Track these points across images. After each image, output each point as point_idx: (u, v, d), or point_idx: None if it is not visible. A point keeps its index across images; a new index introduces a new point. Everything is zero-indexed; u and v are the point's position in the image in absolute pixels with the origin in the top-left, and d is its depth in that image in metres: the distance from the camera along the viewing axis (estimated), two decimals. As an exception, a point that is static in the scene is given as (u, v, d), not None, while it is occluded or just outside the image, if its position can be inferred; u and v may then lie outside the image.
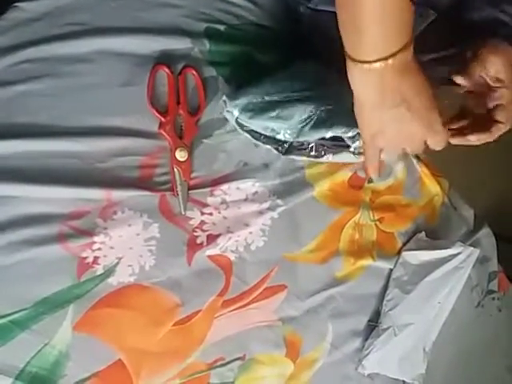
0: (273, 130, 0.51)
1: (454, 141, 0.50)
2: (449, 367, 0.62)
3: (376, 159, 0.49)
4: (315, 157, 0.54)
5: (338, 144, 0.53)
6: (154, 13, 0.53)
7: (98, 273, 0.46)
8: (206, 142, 0.52)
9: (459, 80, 0.50)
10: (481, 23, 0.52)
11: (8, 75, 0.48)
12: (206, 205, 0.51)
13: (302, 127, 0.51)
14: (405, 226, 0.61)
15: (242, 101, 0.51)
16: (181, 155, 0.50)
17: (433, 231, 0.62)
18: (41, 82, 0.48)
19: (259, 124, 0.51)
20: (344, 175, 0.58)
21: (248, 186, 0.53)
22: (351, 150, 0.53)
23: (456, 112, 0.53)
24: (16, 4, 0.50)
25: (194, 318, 0.49)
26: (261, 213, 0.53)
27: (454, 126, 0.52)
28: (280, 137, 0.52)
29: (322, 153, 0.54)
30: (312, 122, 0.51)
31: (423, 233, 0.61)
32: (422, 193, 0.64)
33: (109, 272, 0.47)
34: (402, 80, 0.40)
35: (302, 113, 0.50)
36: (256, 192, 0.53)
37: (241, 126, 0.52)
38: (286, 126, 0.51)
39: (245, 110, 0.51)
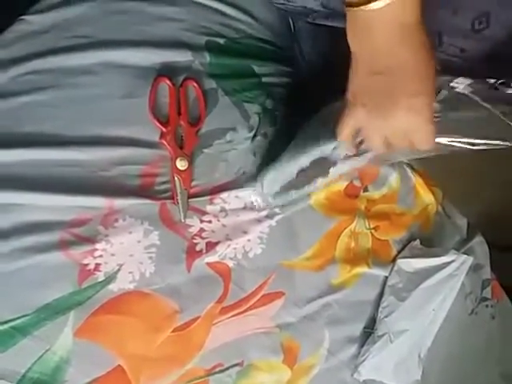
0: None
1: None
2: (442, 374, 0.62)
3: (350, 135, 0.43)
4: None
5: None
6: (155, 26, 0.54)
7: (99, 279, 0.47)
8: (207, 152, 0.53)
9: None
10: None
11: (14, 86, 0.49)
12: (205, 213, 0.52)
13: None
14: (399, 234, 0.62)
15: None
16: (181, 164, 0.51)
17: (427, 239, 0.63)
18: (45, 94, 0.49)
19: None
20: (340, 184, 0.59)
21: (246, 194, 0.54)
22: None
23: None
24: (22, 17, 0.52)
25: (193, 324, 0.49)
26: (259, 221, 0.54)
27: None
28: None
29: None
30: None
31: (418, 241, 0.62)
32: (415, 202, 0.64)
33: (110, 279, 0.47)
34: (396, 40, 0.35)
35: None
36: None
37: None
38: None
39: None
